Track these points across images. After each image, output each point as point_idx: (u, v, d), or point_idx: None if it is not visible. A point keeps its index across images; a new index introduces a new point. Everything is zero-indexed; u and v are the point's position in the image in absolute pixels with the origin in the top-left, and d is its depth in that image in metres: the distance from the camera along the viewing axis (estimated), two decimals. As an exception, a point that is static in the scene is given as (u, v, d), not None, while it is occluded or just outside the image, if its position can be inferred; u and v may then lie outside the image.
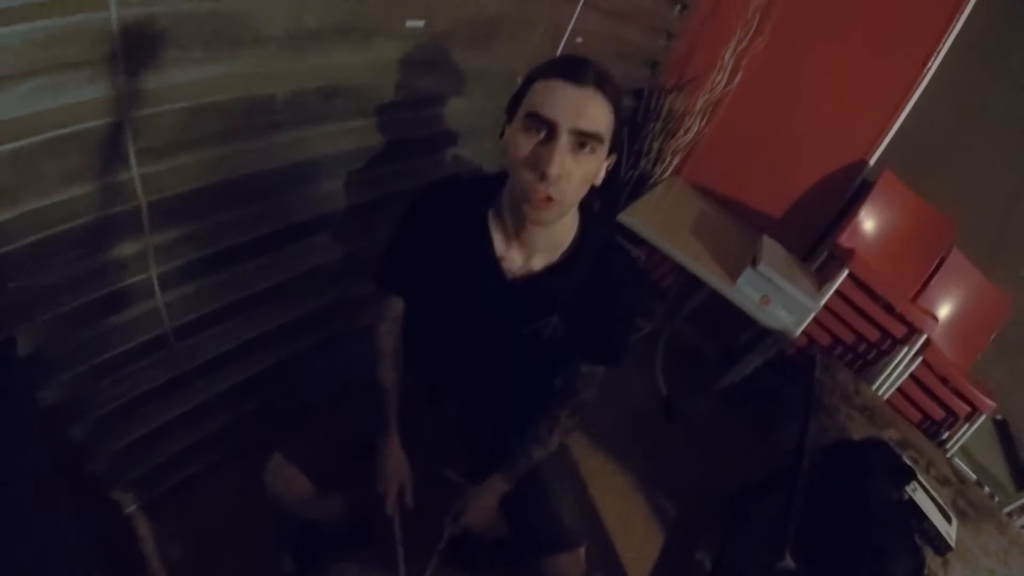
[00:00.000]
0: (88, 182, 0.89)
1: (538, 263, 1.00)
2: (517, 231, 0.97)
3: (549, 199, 0.84)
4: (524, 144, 0.85)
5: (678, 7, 2.44)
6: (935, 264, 2.29)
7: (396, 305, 1.14)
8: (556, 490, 1.16)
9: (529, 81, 0.87)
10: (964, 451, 2.10)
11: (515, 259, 1.00)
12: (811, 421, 1.43)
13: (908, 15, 2.17)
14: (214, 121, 0.99)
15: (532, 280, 1.00)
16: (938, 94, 2.23)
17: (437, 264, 1.02)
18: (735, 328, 2.45)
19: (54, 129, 0.80)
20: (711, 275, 1.95)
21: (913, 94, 2.23)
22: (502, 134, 0.92)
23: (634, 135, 2.58)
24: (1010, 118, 2.19)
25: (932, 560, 1.18)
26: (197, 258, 1.12)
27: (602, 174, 0.93)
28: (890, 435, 1.55)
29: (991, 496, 1.93)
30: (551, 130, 0.82)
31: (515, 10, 1.50)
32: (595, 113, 0.83)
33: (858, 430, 1.50)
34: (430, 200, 1.04)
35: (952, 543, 1.21)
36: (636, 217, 2.00)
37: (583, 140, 0.83)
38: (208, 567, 1.36)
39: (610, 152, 0.90)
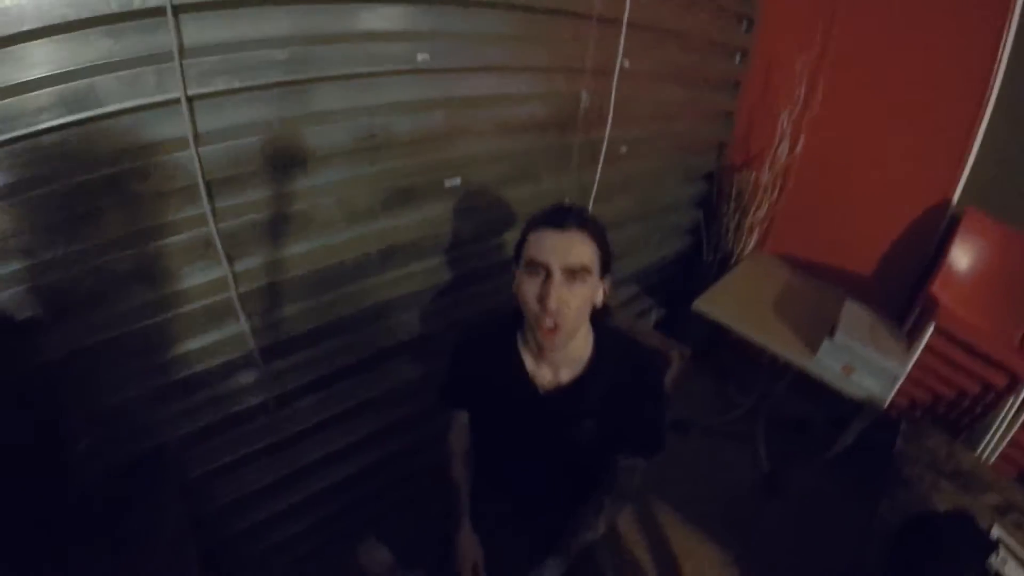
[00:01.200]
0: (214, 335, 1.28)
1: (565, 376, 1.18)
2: (540, 352, 1.16)
3: (555, 327, 1.06)
4: (530, 286, 1.07)
5: (731, 88, 2.56)
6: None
7: (461, 416, 1.36)
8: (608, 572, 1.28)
9: (526, 231, 1.11)
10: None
11: (545, 375, 1.19)
12: (883, 499, 1.39)
13: (956, 43, 2.11)
14: (302, 286, 1.36)
15: (562, 391, 1.18)
16: (1008, 113, 2.10)
17: (484, 385, 1.25)
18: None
19: (193, 302, 1.20)
20: (789, 351, 1.94)
21: (983, 119, 2.12)
22: (513, 277, 1.15)
23: (710, 218, 2.66)
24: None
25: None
26: (303, 383, 1.46)
27: (600, 295, 1.13)
28: (988, 501, 1.44)
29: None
30: (547, 271, 1.04)
31: (548, 144, 1.75)
32: (579, 250, 1.05)
33: (944, 501, 1.40)
34: (470, 338, 1.30)
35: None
36: (710, 304, 2.06)
37: (574, 273, 1.04)
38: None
39: (603, 275, 1.11)
